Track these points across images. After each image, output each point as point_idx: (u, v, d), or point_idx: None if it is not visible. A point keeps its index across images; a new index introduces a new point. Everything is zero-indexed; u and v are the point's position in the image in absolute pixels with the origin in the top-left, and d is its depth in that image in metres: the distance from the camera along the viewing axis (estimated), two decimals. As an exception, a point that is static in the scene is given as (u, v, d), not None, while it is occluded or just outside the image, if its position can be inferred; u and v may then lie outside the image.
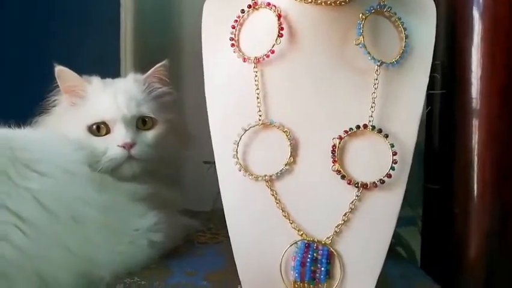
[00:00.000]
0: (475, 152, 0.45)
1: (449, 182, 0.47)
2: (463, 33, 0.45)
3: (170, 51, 0.75)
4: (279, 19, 0.40)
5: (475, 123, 0.45)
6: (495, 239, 0.45)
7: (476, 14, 0.45)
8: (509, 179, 0.45)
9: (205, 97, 0.42)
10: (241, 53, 0.41)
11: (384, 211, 0.39)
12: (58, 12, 0.73)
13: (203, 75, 0.43)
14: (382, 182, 0.38)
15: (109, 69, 0.62)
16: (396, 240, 0.59)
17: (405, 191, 0.39)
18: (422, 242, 0.52)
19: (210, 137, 0.42)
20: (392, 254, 0.40)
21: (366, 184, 0.38)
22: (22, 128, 0.50)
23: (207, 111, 0.42)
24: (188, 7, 0.77)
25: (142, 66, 0.70)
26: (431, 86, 0.42)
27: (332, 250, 0.38)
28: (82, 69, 0.55)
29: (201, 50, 0.43)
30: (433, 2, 0.43)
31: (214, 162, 0.42)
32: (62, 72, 0.53)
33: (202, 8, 0.44)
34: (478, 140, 0.45)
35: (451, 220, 0.47)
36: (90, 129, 0.51)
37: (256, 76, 0.41)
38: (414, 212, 0.56)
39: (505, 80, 0.45)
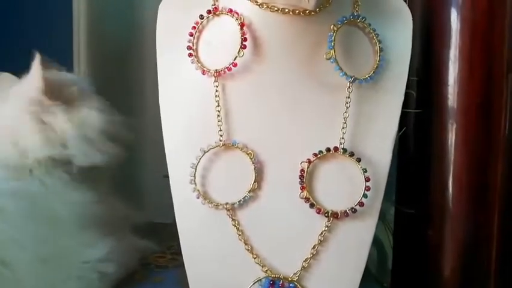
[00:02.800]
0: (451, 172, 0.43)
1: (423, 204, 0.44)
2: (440, 46, 0.42)
3: (129, 44, 0.69)
4: (241, 28, 0.36)
5: (451, 142, 0.43)
6: (471, 258, 0.44)
7: (454, 26, 0.42)
8: (486, 197, 0.44)
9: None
10: (199, 65, 0.37)
11: (355, 242, 0.36)
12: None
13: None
14: (354, 210, 0.35)
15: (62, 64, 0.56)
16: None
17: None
18: (393, 262, 0.50)
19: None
20: (363, 275, 0.38)
21: (336, 213, 0.35)
22: None
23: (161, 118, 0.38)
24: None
25: (97, 61, 0.65)
26: (405, 103, 0.39)
27: (299, 287, 0.35)
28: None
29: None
30: (409, 12, 0.40)
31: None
32: None
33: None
34: (454, 160, 0.43)
35: (425, 240, 0.45)
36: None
37: (216, 91, 0.37)
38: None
39: (483, 95, 0.42)
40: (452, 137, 0.42)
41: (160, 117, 0.40)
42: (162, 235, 0.57)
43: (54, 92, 0.46)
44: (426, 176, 0.43)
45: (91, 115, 0.48)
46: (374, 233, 0.36)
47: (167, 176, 0.49)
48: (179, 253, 0.54)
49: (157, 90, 0.40)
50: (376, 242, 0.58)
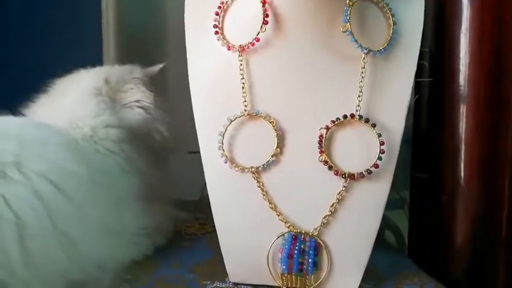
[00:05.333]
0: (463, 140, 0.45)
1: (436, 170, 0.47)
2: (452, 19, 0.44)
3: (155, 35, 0.72)
4: (263, 5, 0.39)
5: (463, 110, 0.45)
6: (482, 225, 0.46)
7: (464, 0, 0.44)
8: (496, 165, 0.45)
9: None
10: (225, 41, 0.40)
11: (371, 202, 0.38)
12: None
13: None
14: (369, 172, 0.38)
15: (92, 57, 0.60)
16: (386, 223, 0.59)
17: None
18: (409, 229, 0.52)
19: (195, 126, 0.41)
20: (380, 242, 0.40)
21: (353, 175, 0.38)
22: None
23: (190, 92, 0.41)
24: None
25: (124, 56, 0.68)
26: (418, 73, 0.41)
27: (319, 241, 0.38)
28: (64, 56, 0.53)
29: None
30: (421, -13, 0.42)
31: (199, 151, 0.41)
32: None
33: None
34: (466, 128, 0.45)
35: (439, 207, 0.47)
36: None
37: (241, 65, 0.40)
38: (400, 195, 0.56)
39: (493, 67, 0.44)
40: (463, 106, 0.44)
41: (182, 98, 0.43)
42: (189, 210, 0.61)
43: (112, 86, 0.51)
44: (439, 142, 0.46)
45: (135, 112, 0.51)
46: (392, 219, 0.38)
47: (192, 152, 0.53)
48: (206, 223, 0.58)
49: (179, 73, 0.44)
50: (393, 228, 0.61)
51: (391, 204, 0.41)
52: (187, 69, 0.42)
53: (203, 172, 0.41)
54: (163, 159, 0.58)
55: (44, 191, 0.40)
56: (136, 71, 0.54)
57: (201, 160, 0.41)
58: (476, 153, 0.45)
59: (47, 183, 0.41)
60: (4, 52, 0.66)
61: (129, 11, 0.72)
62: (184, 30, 0.42)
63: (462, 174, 0.45)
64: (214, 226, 0.41)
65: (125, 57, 0.60)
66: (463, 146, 0.45)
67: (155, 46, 0.72)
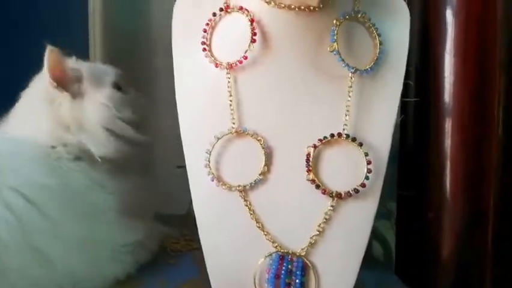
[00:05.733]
0: (448, 156, 0.46)
1: (423, 187, 0.47)
2: (436, 38, 0.45)
3: (141, 38, 0.72)
4: (251, 24, 0.39)
5: (448, 127, 0.45)
6: (468, 239, 0.46)
7: (449, 17, 0.45)
8: (481, 180, 0.46)
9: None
10: (213, 58, 0.40)
11: (358, 221, 0.38)
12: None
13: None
14: (356, 191, 0.38)
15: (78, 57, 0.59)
16: (373, 234, 0.59)
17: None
18: (396, 246, 0.53)
19: (181, 139, 0.40)
20: (368, 256, 0.40)
21: (340, 194, 0.38)
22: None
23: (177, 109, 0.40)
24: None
25: (111, 55, 0.67)
26: (404, 92, 0.42)
27: (307, 262, 0.37)
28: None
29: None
30: (406, 6, 0.43)
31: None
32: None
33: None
34: (451, 144, 0.46)
35: (425, 223, 0.48)
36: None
37: (229, 82, 0.40)
38: (387, 207, 0.56)
39: (477, 84, 0.45)
40: (448, 124, 0.45)
41: (170, 109, 0.43)
42: (175, 225, 0.60)
43: (63, 84, 0.48)
44: (425, 160, 0.46)
45: (95, 109, 0.48)
46: (380, 230, 0.38)
47: (180, 167, 0.52)
48: (193, 239, 0.58)
49: (167, 81, 0.43)
50: (381, 239, 0.61)
51: (378, 215, 0.41)
52: (173, 74, 0.41)
53: (188, 186, 0.40)
54: (146, 172, 0.57)
55: (16, 205, 0.39)
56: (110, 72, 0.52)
57: (185, 174, 0.40)
58: (461, 169, 0.46)
59: (19, 197, 0.40)
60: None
61: (116, 12, 0.72)
62: (170, 33, 0.42)
63: (448, 190, 0.46)
64: (200, 242, 0.40)
65: (112, 58, 0.59)
66: (448, 163, 0.46)
67: (142, 47, 0.71)
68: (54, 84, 0.48)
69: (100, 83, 0.50)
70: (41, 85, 0.49)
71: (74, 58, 0.52)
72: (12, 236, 0.38)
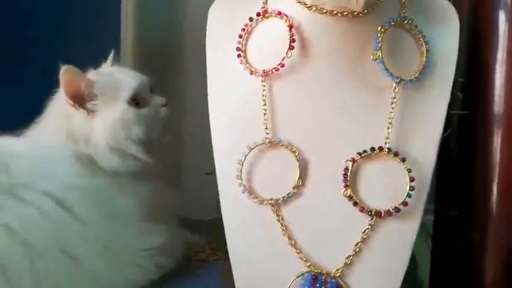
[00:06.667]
0: (496, 173, 0.42)
1: (466, 207, 0.44)
2: (487, 49, 0.42)
3: (173, 43, 0.71)
4: (290, 30, 0.37)
5: (497, 142, 0.42)
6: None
7: (501, 28, 0.41)
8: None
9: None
10: (248, 65, 0.38)
11: (398, 241, 0.36)
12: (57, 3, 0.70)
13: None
14: (397, 210, 0.35)
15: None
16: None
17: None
18: (431, 268, 0.50)
19: (210, 144, 0.39)
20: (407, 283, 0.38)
21: (380, 212, 0.35)
22: (11, 136, 0.47)
23: (209, 116, 0.39)
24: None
25: (142, 58, 0.67)
26: (451, 105, 0.39)
27: (341, 283, 0.35)
28: (82, 62, 0.52)
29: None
30: (456, 13, 0.40)
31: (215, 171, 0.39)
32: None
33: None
34: (500, 161, 0.43)
35: (467, 245, 0.45)
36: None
37: (264, 90, 0.38)
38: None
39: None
40: (497, 140, 0.42)
41: (199, 116, 0.41)
42: (200, 231, 0.59)
43: (79, 101, 0.48)
44: (470, 178, 0.43)
45: (104, 128, 0.48)
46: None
47: (209, 174, 0.51)
48: (218, 248, 0.56)
49: (198, 88, 0.42)
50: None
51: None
52: (204, 86, 0.40)
53: (215, 191, 0.38)
54: (173, 177, 0.57)
55: (49, 210, 0.39)
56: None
57: (212, 179, 0.39)
58: (510, 188, 0.42)
59: (52, 201, 0.40)
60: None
61: (148, 24, 0.71)
62: (203, 45, 0.41)
63: (494, 209, 0.43)
64: (225, 252, 0.38)
65: (143, 69, 0.59)
66: (496, 179, 0.43)
67: (174, 60, 0.71)
68: (71, 102, 0.48)
69: (115, 99, 0.49)
70: (62, 97, 0.49)
71: (92, 70, 0.52)
72: (46, 242, 0.38)
